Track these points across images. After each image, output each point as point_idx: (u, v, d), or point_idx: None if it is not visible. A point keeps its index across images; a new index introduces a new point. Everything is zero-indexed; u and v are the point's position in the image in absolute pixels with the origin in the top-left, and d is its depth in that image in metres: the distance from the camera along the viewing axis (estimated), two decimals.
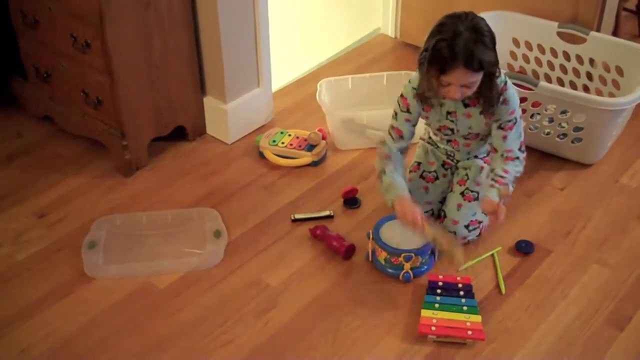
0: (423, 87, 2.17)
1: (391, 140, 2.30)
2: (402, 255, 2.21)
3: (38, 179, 2.70)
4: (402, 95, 2.27)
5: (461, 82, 2.04)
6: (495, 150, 2.25)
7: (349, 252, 2.33)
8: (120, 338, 2.09)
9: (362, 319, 2.14)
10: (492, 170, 2.24)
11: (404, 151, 2.33)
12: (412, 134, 2.32)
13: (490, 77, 2.08)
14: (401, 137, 2.29)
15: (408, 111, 2.26)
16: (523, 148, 2.25)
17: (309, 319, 2.14)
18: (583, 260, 2.33)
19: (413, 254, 2.21)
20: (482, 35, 2.00)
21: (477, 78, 2.05)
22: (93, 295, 2.22)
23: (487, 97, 2.14)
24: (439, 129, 2.33)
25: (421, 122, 2.35)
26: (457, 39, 1.97)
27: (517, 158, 2.22)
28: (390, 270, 2.25)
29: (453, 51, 1.97)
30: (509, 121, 2.19)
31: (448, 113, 2.25)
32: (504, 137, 2.21)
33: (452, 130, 2.30)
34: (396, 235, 2.27)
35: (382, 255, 2.26)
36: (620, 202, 2.57)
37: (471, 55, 1.98)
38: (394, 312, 2.16)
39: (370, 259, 2.31)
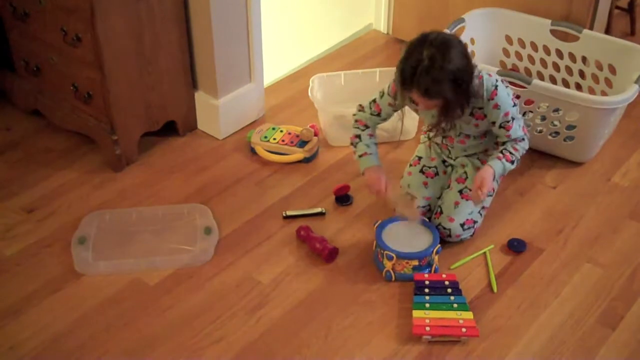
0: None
1: (369, 111, 2.37)
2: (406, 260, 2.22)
3: (27, 174, 2.68)
4: (393, 81, 2.28)
5: (421, 102, 2.12)
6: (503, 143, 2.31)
7: (332, 255, 2.31)
8: (110, 335, 2.07)
9: (354, 317, 2.13)
10: (502, 144, 2.30)
11: (375, 127, 2.41)
12: (390, 116, 2.38)
13: (455, 99, 2.08)
14: (379, 114, 2.37)
15: (394, 97, 2.31)
16: (526, 130, 2.32)
17: (300, 317, 2.13)
18: (575, 259, 2.33)
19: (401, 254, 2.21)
20: (438, 66, 2.00)
21: (437, 101, 2.09)
22: (83, 291, 2.21)
23: (452, 114, 2.14)
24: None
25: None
26: (417, 67, 2.01)
27: (524, 139, 2.30)
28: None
29: (410, 78, 2.03)
30: (507, 121, 2.25)
31: None
32: (508, 135, 2.27)
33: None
34: (400, 237, 2.28)
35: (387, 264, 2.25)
36: (612, 201, 2.58)
37: (423, 85, 2.02)
38: (386, 310, 2.15)
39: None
